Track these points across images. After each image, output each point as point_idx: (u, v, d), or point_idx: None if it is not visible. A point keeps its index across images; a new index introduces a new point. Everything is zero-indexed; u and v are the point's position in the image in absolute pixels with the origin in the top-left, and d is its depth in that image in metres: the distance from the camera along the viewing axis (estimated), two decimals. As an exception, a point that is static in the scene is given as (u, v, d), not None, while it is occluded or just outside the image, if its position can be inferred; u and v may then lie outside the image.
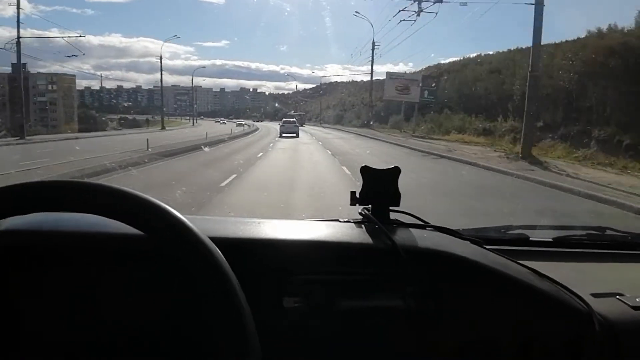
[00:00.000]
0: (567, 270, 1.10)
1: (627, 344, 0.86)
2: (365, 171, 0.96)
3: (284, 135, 27.62)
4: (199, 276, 0.59)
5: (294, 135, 27.62)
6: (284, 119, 32.61)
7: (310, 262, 0.83)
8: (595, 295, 0.93)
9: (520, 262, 0.93)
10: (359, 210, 0.98)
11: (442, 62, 38.25)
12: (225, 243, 0.72)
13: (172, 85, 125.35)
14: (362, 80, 65.80)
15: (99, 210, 0.63)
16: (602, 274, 1.19)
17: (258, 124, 53.50)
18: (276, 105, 72.02)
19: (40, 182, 0.63)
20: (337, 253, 0.85)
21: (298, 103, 70.28)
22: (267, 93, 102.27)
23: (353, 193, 0.97)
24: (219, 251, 0.62)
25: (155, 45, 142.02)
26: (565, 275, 0.94)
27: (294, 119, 32.61)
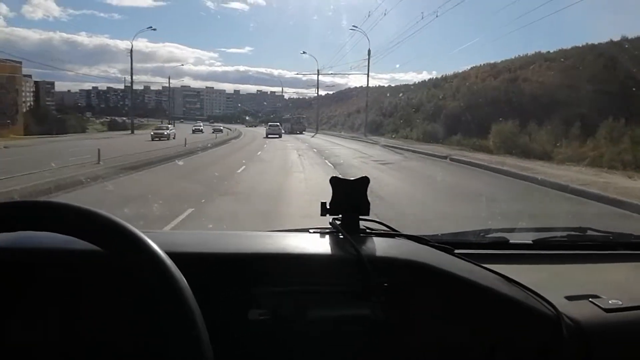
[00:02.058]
0: (544, 273, 1.12)
1: (597, 348, 0.85)
2: (335, 182, 0.96)
3: (269, 136, 33.45)
4: (153, 288, 0.60)
5: (277, 136, 33.50)
6: (270, 124, 39.32)
7: (276, 273, 0.83)
8: (569, 298, 0.93)
9: (496, 266, 0.93)
10: (329, 221, 0.97)
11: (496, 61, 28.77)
12: (190, 257, 0.77)
13: (181, 87, 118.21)
14: (389, 85, 54.63)
15: (52, 228, 0.64)
16: (580, 275, 1.17)
17: (248, 130, 45.19)
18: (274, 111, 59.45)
19: None
20: (304, 264, 0.85)
21: (316, 107, 58.49)
22: (286, 97, 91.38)
23: (323, 204, 0.97)
24: (170, 260, 0.62)
25: (181, 50, 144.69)
26: (541, 278, 0.95)
27: (278, 124, 38.34)
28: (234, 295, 0.80)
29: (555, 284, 0.97)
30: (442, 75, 36.00)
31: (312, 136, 36.65)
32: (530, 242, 1.30)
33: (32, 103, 60.72)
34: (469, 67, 32.00)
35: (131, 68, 35.56)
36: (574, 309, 0.89)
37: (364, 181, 0.97)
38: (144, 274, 0.61)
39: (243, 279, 0.82)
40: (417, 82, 42.70)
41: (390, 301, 0.82)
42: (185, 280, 0.61)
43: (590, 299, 0.92)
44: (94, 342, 0.74)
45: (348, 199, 0.96)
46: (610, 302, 0.91)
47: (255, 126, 54.85)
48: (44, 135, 32.54)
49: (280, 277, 0.83)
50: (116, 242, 0.62)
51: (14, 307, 0.75)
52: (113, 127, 49.65)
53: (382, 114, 37.30)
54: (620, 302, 0.91)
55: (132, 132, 35.86)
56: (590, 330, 0.85)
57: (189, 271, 0.62)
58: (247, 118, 67.31)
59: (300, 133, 42.90)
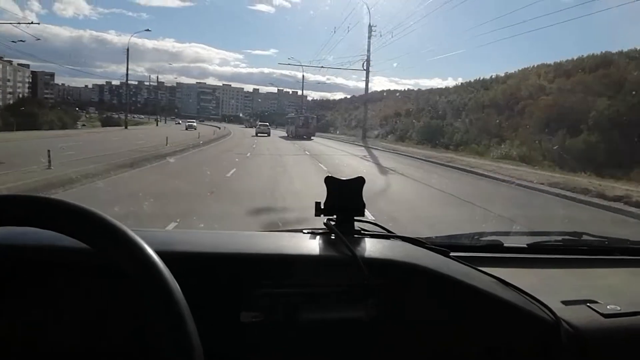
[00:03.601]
0: (540, 277, 1.10)
1: (596, 352, 0.84)
2: (330, 182, 0.94)
3: (259, 135, 34.46)
4: (141, 287, 0.58)
5: (266, 135, 34.79)
6: (260, 123, 40.93)
7: (270, 274, 0.81)
8: (566, 302, 0.91)
9: (491, 269, 0.92)
10: (324, 221, 0.95)
11: None
12: (182, 256, 0.76)
13: (196, 83, 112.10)
14: (419, 89, 46.73)
15: (41, 224, 0.61)
16: (576, 280, 1.15)
17: (242, 132, 39.20)
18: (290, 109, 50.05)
19: None
20: (299, 265, 0.83)
21: (344, 111, 50.91)
22: (309, 99, 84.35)
23: (318, 204, 0.94)
24: (158, 259, 0.59)
25: (207, 51, 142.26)
26: (537, 283, 0.94)
27: (267, 123, 39.84)
28: (225, 296, 0.78)
29: (551, 288, 0.95)
30: (491, 77, 30.11)
31: (373, 159, 17.74)
32: (525, 245, 1.27)
33: (24, 94, 54.07)
34: (518, 69, 27.73)
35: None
36: (571, 314, 0.87)
37: (359, 181, 0.94)
38: (129, 270, 0.58)
39: (235, 280, 0.79)
40: (458, 84, 35.93)
41: (385, 303, 0.81)
42: (171, 275, 0.58)
43: (588, 304, 0.91)
44: (78, 341, 0.73)
45: (343, 199, 0.93)
46: (608, 307, 0.90)
47: (252, 127, 47.36)
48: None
49: (274, 278, 0.80)
50: (100, 237, 0.59)
51: None
52: (106, 122, 46.93)
53: (437, 117, 28.70)
54: (618, 308, 0.89)
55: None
56: (588, 335, 0.84)
57: (179, 271, 0.59)
58: (247, 118, 59.92)
59: (309, 139, 33.45)
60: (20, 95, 50.65)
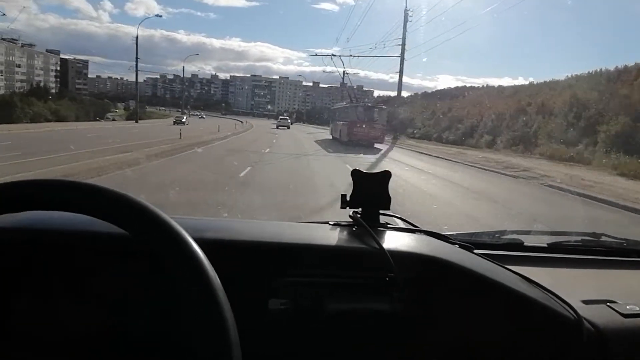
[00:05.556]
0: (560, 276, 1.10)
1: (616, 352, 0.85)
2: (356, 174, 0.95)
3: (279, 127, 36.56)
4: (179, 275, 0.57)
5: (286, 127, 36.87)
6: (280, 117, 42.80)
7: (297, 264, 0.82)
8: (586, 302, 0.91)
9: (512, 267, 0.92)
10: (349, 214, 0.96)
11: None
12: (212, 243, 0.76)
13: (251, 75, 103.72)
14: (500, 85, 37.93)
15: (82, 209, 0.61)
16: (596, 280, 1.15)
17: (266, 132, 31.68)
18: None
19: (24, 182, 0.61)
20: (325, 256, 0.84)
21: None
22: (375, 95, 74.05)
23: (344, 196, 0.95)
24: (199, 249, 0.59)
25: (272, 50, 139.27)
26: (557, 282, 0.94)
27: (287, 118, 42.27)
28: (254, 283, 0.79)
29: (571, 288, 0.95)
30: (617, 67, 23.21)
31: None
32: (545, 245, 1.27)
33: (48, 83, 46.55)
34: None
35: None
36: (592, 313, 0.87)
37: (386, 175, 0.94)
38: (168, 259, 0.57)
39: (264, 268, 0.81)
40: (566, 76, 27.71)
41: (411, 296, 0.82)
42: (213, 268, 0.57)
43: (607, 304, 0.92)
44: (112, 329, 0.73)
45: (369, 192, 0.94)
46: (627, 307, 0.90)
47: (288, 127, 40.07)
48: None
49: (302, 268, 0.81)
50: (139, 223, 0.58)
51: (28, 288, 0.74)
52: (131, 116, 43.32)
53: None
54: (637, 308, 0.90)
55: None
56: (609, 334, 0.84)
57: (210, 257, 0.59)
58: (283, 115, 49.92)
59: (371, 146, 19.94)
60: (33, 84, 42.45)
